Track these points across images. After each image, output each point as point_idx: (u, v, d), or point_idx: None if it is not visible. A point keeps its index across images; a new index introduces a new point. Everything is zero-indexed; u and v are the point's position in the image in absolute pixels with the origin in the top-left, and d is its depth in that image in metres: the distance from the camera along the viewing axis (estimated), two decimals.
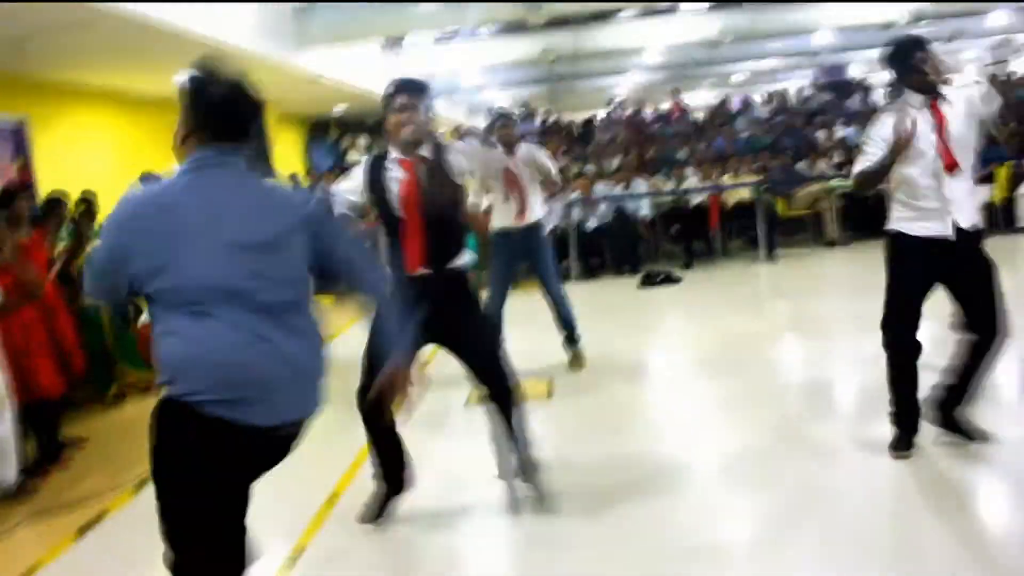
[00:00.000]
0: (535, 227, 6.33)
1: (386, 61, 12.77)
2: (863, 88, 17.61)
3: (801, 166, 12.07)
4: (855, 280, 9.10)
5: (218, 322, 2.25)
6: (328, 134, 16.24)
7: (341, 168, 14.69)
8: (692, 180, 11.55)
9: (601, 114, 18.95)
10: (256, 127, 2.48)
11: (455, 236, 3.87)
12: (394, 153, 3.79)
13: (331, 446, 5.35)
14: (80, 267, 6.01)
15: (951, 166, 3.89)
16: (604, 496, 4.03)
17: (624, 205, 11.38)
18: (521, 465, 3.99)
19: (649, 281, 10.00)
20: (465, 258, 3.89)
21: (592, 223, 11.21)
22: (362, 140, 15.99)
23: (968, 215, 3.94)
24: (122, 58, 7.35)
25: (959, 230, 3.90)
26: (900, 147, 3.84)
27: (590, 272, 11.03)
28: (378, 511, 3.95)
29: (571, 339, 6.53)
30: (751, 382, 5.73)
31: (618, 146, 14.45)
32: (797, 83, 20.87)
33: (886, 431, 4.26)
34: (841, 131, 14.04)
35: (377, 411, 3.63)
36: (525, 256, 6.41)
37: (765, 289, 9.64)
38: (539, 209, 6.42)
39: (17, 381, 4.97)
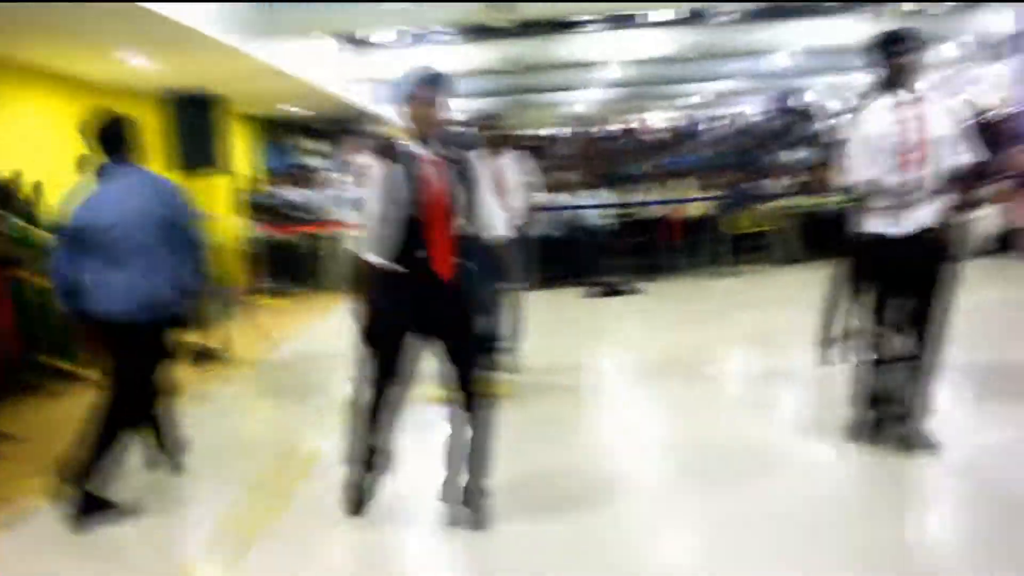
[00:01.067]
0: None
1: (346, 61, 12.56)
2: (819, 113, 17.79)
3: (762, 184, 12.08)
4: (811, 296, 9.10)
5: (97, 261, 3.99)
6: (286, 136, 15.91)
7: (297, 169, 14.42)
8: (653, 194, 11.48)
9: (561, 131, 18.93)
10: (133, 147, 4.21)
11: (463, 239, 3.75)
12: (413, 147, 3.63)
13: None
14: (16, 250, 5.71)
15: None
16: (550, 504, 3.91)
17: (583, 216, 11.25)
18: (469, 489, 3.79)
19: (606, 292, 9.88)
20: (470, 263, 3.76)
21: (550, 233, 11.07)
22: (321, 144, 15.69)
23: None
24: (72, 39, 7.07)
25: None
26: None
27: (547, 282, 10.86)
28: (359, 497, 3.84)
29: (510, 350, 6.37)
30: (702, 391, 5.68)
31: (576, 161, 14.38)
32: (755, 107, 21.04)
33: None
34: (798, 153, 14.13)
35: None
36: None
37: (721, 302, 9.52)
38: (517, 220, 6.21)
39: None
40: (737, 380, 6.31)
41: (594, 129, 17.92)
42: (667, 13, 13.00)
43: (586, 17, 12.92)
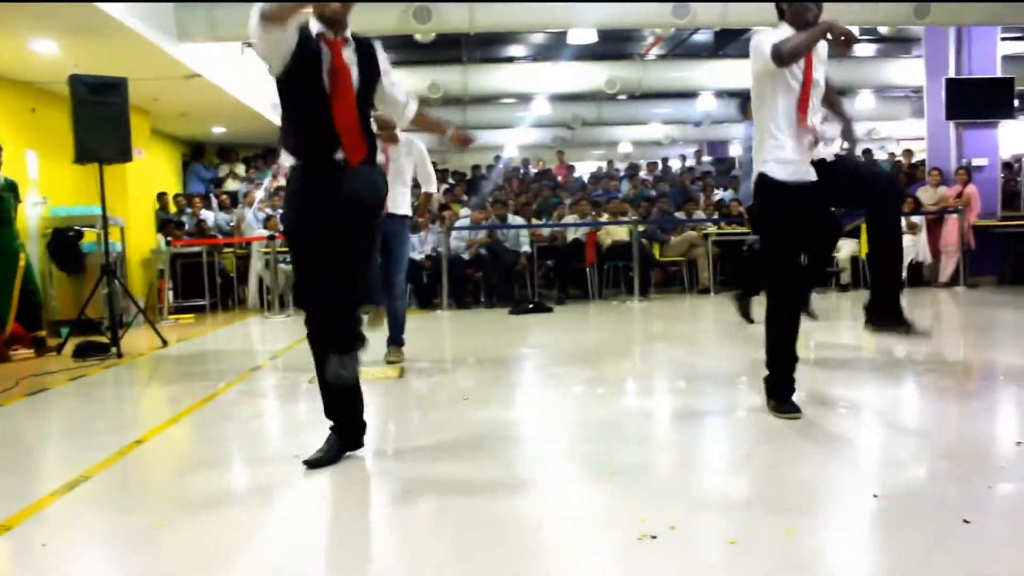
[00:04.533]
0: (398, 218, 6.06)
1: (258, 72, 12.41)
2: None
3: (679, 215, 12.22)
4: (717, 320, 9.27)
5: None
6: (205, 159, 15.58)
7: (216, 195, 14.13)
8: (571, 219, 11.55)
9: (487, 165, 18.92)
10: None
11: (372, 133, 3.51)
12: (316, 27, 3.33)
13: None
14: None
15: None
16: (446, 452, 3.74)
17: (501, 238, 11.19)
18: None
19: (520, 308, 9.81)
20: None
21: (466, 254, 11.00)
22: (240, 168, 15.39)
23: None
24: None
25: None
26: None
27: (462, 305, 10.75)
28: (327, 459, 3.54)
29: (396, 340, 6.28)
30: (605, 378, 5.73)
31: (502, 193, 14.38)
32: (680, 160, 21.33)
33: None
34: (719, 194, 14.33)
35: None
36: (382, 243, 6.06)
37: (632, 319, 9.50)
38: (406, 206, 6.20)
39: None
40: (626, 369, 6.29)
41: (519, 168, 17.93)
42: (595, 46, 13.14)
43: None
